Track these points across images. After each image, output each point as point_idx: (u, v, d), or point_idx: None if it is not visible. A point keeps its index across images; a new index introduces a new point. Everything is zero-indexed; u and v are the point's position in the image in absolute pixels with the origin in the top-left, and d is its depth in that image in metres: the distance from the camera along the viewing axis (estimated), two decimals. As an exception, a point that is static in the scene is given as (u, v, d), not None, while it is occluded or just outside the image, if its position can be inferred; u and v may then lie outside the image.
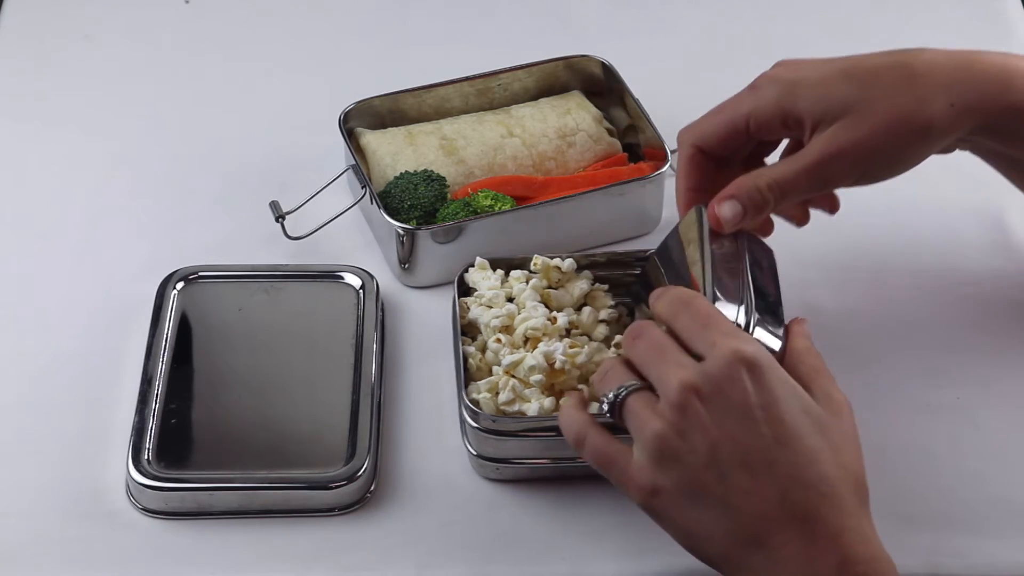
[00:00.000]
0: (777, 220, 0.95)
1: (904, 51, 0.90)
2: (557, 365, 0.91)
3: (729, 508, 0.77)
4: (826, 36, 1.26)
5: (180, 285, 1.00)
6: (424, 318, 1.02)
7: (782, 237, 1.05)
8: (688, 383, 0.78)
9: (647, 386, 0.80)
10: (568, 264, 0.97)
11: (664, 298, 0.83)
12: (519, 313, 0.94)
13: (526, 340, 0.93)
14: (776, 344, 0.85)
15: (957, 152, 1.09)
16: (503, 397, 0.91)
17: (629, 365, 0.82)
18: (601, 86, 1.14)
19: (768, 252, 0.91)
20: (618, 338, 0.94)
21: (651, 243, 1.06)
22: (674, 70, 1.22)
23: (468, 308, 0.96)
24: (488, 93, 1.13)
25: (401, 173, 1.06)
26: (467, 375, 0.93)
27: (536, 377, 0.90)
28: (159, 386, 0.94)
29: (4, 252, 1.07)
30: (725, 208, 0.89)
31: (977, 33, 1.25)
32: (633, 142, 1.12)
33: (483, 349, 0.95)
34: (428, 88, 1.11)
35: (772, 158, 0.95)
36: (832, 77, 0.89)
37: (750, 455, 0.77)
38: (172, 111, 1.19)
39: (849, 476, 0.78)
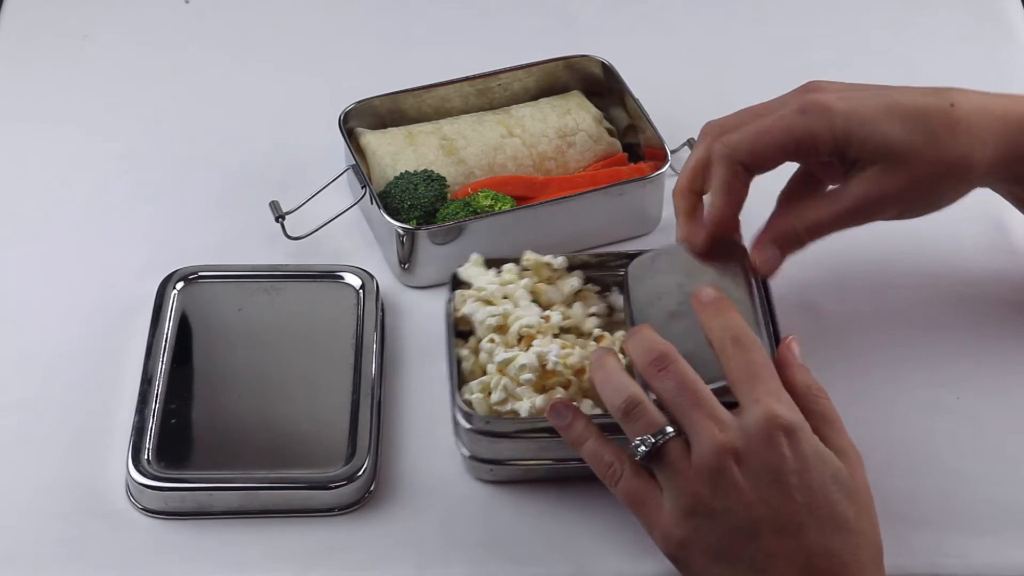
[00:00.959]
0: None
1: (945, 91, 0.91)
2: (549, 366, 0.91)
3: (755, 570, 0.78)
4: (826, 36, 1.26)
5: (180, 285, 1.00)
6: (424, 318, 1.02)
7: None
8: (727, 446, 0.79)
9: (679, 433, 0.81)
10: (559, 261, 0.97)
11: (718, 326, 0.83)
12: (513, 310, 0.94)
13: (520, 339, 0.93)
14: None
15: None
16: (495, 397, 0.91)
17: (657, 402, 0.82)
18: (601, 86, 1.14)
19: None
20: (618, 335, 0.94)
21: (651, 243, 1.06)
22: (674, 70, 1.22)
23: (464, 301, 0.96)
24: (488, 93, 1.13)
25: (401, 173, 1.06)
26: (460, 378, 0.93)
27: (526, 376, 0.90)
28: (159, 386, 0.94)
29: (4, 252, 1.07)
30: (768, 253, 0.90)
31: (977, 33, 1.25)
32: (633, 142, 1.12)
33: (476, 352, 0.95)
34: (428, 88, 1.11)
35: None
36: (882, 115, 0.89)
37: (781, 520, 0.78)
38: (172, 111, 1.19)
39: (869, 542, 0.80)
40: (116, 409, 0.96)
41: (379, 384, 0.96)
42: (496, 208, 1.03)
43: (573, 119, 1.10)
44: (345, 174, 1.09)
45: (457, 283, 0.97)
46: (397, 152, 1.08)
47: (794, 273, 1.01)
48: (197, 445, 0.93)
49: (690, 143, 1.11)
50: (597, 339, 0.95)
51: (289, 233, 1.05)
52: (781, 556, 0.78)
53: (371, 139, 1.09)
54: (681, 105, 1.16)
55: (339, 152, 1.09)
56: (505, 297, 0.96)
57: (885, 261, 1.06)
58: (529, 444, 0.90)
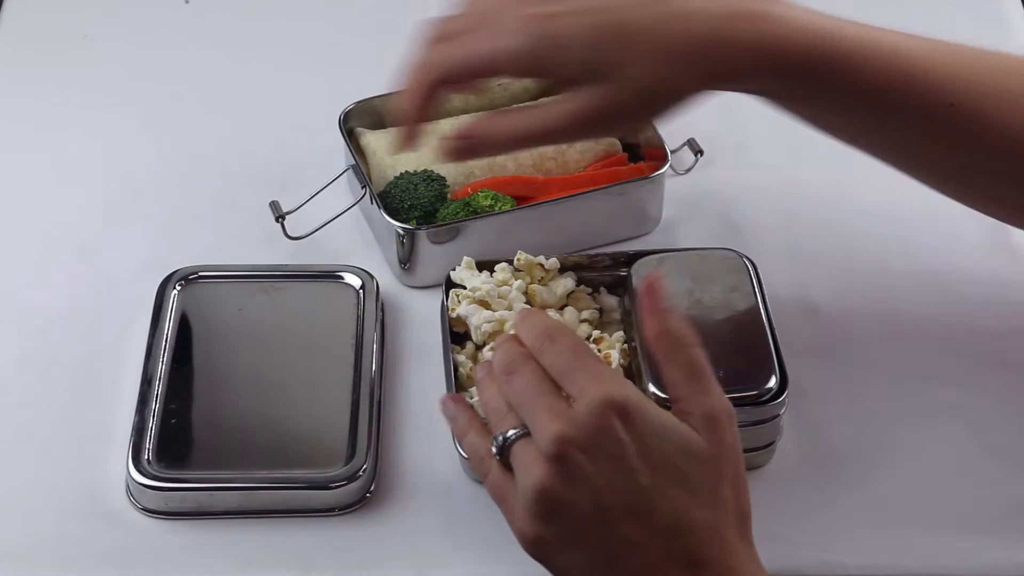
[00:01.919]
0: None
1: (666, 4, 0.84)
2: None
3: (614, 558, 0.76)
4: (826, 36, 1.25)
5: (180, 285, 1.00)
6: (424, 318, 1.01)
7: (782, 237, 1.05)
8: (562, 436, 0.76)
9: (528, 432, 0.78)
10: (551, 263, 0.97)
11: (526, 325, 0.81)
12: (508, 316, 0.94)
13: None
14: None
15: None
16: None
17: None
18: (601, 86, 1.14)
19: None
20: (616, 335, 0.94)
21: (651, 243, 1.06)
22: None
23: (459, 303, 0.96)
24: (488, 93, 1.13)
25: (401, 173, 1.06)
26: (458, 383, 0.93)
27: None
28: (159, 386, 0.94)
29: (4, 252, 1.07)
30: (456, 144, 0.85)
31: (977, 33, 1.25)
32: (633, 142, 1.12)
33: (473, 357, 0.95)
34: (428, 88, 1.11)
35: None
36: (592, 39, 0.82)
37: (631, 505, 0.76)
38: (172, 111, 1.19)
39: (728, 511, 0.77)
40: (116, 409, 0.96)
41: (379, 384, 0.96)
42: (496, 208, 1.03)
43: (573, 119, 1.10)
44: (345, 174, 1.09)
45: (450, 286, 0.97)
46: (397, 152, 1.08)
47: (794, 273, 1.01)
48: (197, 445, 0.93)
49: (691, 143, 1.11)
50: (596, 341, 0.95)
51: (289, 233, 1.05)
52: (638, 542, 0.76)
53: (371, 139, 1.09)
54: (681, 105, 1.16)
55: (339, 152, 1.09)
56: (500, 297, 0.96)
57: (884, 261, 1.06)
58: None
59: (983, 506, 0.91)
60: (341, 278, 1.02)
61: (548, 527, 0.77)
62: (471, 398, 0.92)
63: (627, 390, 0.77)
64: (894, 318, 1.02)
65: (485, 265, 0.98)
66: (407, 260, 1.03)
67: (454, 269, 0.98)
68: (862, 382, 0.97)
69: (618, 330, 0.96)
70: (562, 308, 0.98)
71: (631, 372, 0.94)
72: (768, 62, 0.85)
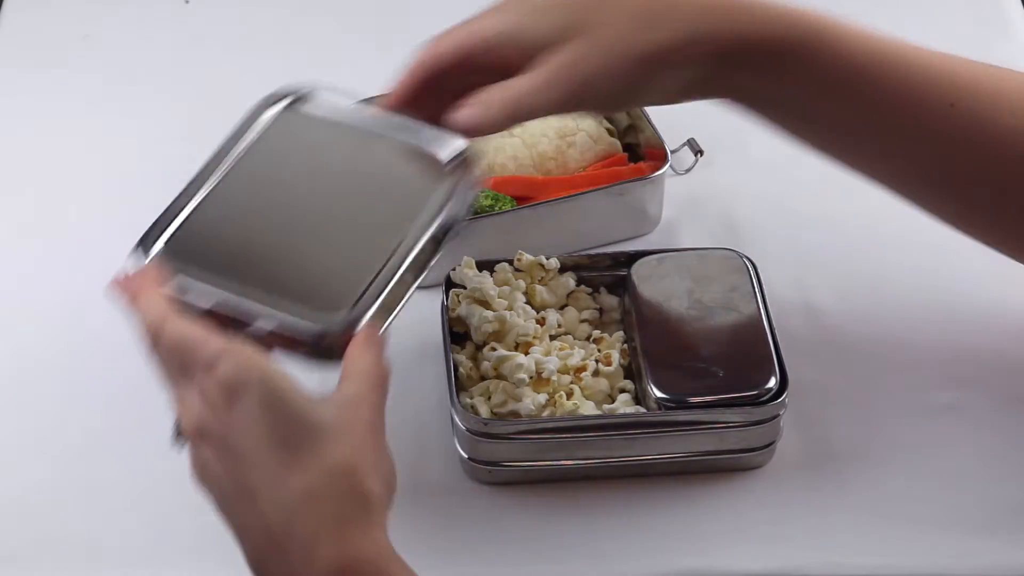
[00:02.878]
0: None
1: None
2: (545, 375, 0.91)
3: (240, 539, 0.77)
4: (826, 36, 1.25)
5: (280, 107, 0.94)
6: (423, 319, 1.01)
7: (783, 237, 1.06)
8: (190, 426, 0.77)
9: None
10: (551, 263, 0.97)
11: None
12: (509, 317, 0.94)
13: (516, 346, 0.94)
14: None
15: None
16: (495, 399, 0.91)
17: None
18: (601, 86, 1.14)
19: None
20: (616, 335, 0.95)
21: (651, 243, 1.06)
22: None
23: (459, 303, 0.96)
24: (486, 93, 1.13)
25: (401, 173, 1.06)
26: (458, 384, 0.93)
27: (520, 376, 0.91)
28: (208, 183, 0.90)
29: (4, 252, 1.07)
30: (464, 113, 0.84)
31: (977, 33, 1.25)
32: (633, 142, 1.12)
33: (473, 357, 0.95)
34: (428, 88, 1.11)
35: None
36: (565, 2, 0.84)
37: (235, 488, 0.76)
38: (172, 111, 1.19)
39: (343, 483, 0.75)
40: (116, 408, 0.96)
41: None
42: (496, 208, 1.03)
43: (573, 119, 1.10)
44: (345, 174, 1.09)
45: (450, 286, 0.97)
46: (397, 152, 1.08)
47: (794, 273, 1.01)
48: (218, 243, 0.87)
49: (690, 143, 1.11)
50: (596, 341, 0.95)
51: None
52: (247, 527, 0.76)
53: (371, 139, 1.09)
54: (681, 105, 1.16)
55: (339, 152, 1.09)
56: (501, 298, 0.96)
57: (885, 261, 1.06)
58: (528, 446, 0.90)
59: (983, 506, 0.91)
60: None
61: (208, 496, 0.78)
62: (471, 398, 0.92)
63: (237, 370, 0.75)
64: (894, 318, 1.02)
65: (485, 265, 0.98)
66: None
67: (454, 269, 0.98)
68: (862, 382, 0.97)
69: (618, 330, 0.96)
70: (562, 308, 0.98)
71: (631, 372, 0.94)
72: (746, 27, 0.84)
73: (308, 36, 1.26)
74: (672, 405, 0.89)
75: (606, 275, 0.99)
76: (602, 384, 0.93)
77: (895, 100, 0.86)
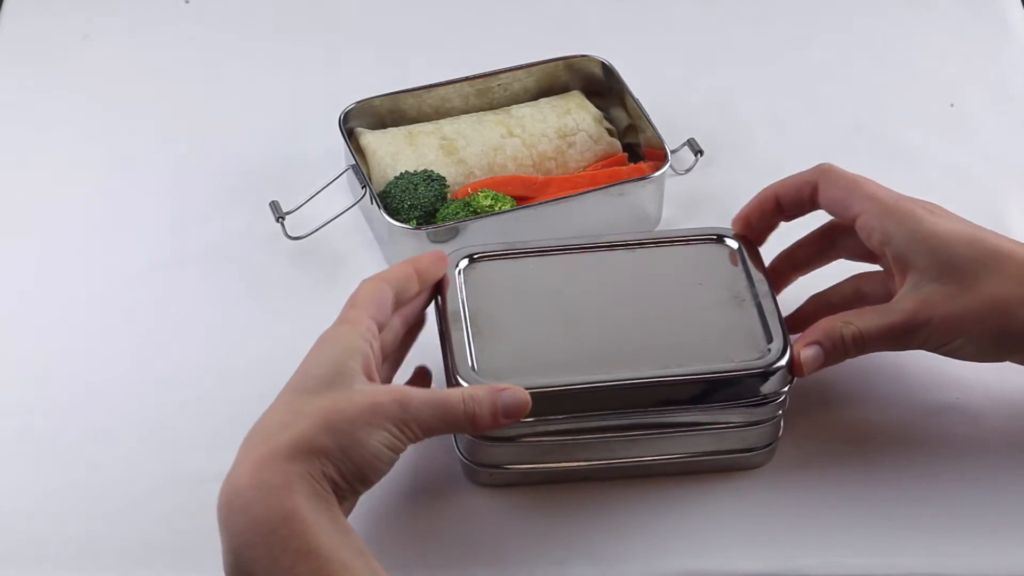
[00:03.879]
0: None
1: None
2: None
3: None
4: (826, 36, 1.26)
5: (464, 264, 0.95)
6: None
7: (782, 235, 1.05)
8: None
9: None
10: None
11: None
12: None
13: None
14: None
15: (958, 150, 1.09)
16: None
17: None
18: (601, 86, 1.14)
19: None
20: None
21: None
22: (674, 70, 1.22)
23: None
24: (488, 93, 1.13)
25: (401, 173, 1.06)
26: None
27: None
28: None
29: (4, 252, 1.07)
30: (808, 353, 0.89)
31: (977, 33, 1.26)
32: (633, 142, 1.12)
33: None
34: (428, 88, 1.11)
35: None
36: (959, 239, 0.88)
37: None
38: (172, 111, 1.19)
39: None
40: (116, 408, 0.96)
41: None
42: (496, 208, 1.03)
43: (573, 119, 1.10)
44: (345, 174, 1.09)
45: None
46: (397, 152, 1.08)
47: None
48: None
49: (690, 143, 1.11)
50: None
51: (289, 233, 1.05)
52: None
53: (371, 139, 1.09)
54: (681, 105, 1.16)
55: (339, 152, 1.09)
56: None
57: (885, 261, 1.06)
58: (528, 449, 0.90)
59: (983, 506, 0.91)
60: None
61: None
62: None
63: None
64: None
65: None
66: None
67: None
68: (862, 382, 0.97)
69: None
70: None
71: None
72: None
73: (308, 36, 1.26)
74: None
75: None
76: None
77: None
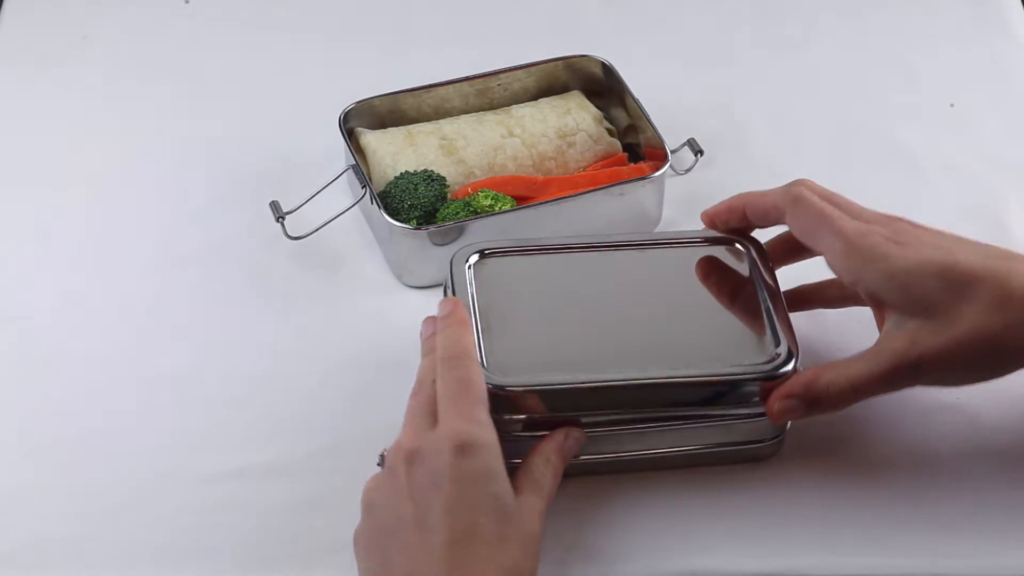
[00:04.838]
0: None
1: (1005, 257, 0.87)
2: None
3: (389, 558, 0.81)
4: (826, 36, 1.26)
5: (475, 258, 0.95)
6: (423, 318, 1.01)
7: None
8: (403, 447, 0.83)
9: None
10: None
11: (441, 337, 0.88)
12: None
13: None
14: None
15: (958, 150, 1.09)
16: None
17: None
18: (601, 86, 1.14)
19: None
20: None
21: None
22: (674, 70, 1.22)
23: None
24: (488, 93, 1.13)
25: (401, 173, 1.06)
26: None
27: None
28: None
29: (4, 252, 1.07)
30: (790, 404, 0.88)
31: (977, 33, 1.25)
32: (633, 142, 1.12)
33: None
34: (428, 88, 1.11)
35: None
36: (929, 272, 0.86)
37: (422, 517, 0.80)
38: (172, 111, 1.19)
39: (508, 563, 0.80)
40: (117, 408, 0.96)
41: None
42: (496, 208, 1.03)
43: (573, 119, 1.10)
44: (345, 174, 1.09)
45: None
46: (397, 152, 1.08)
47: (795, 272, 1.01)
48: None
49: (690, 143, 1.11)
50: None
51: (289, 233, 1.05)
52: (411, 550, 0.79)
53: (371, 139, 1.09)
54: (681, 105, 1.16)
55: (339, 152, 1.09)
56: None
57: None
58: (533, 443, 0.90)
59: (983, 506, 0.91)
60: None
61: (362, 525, 0.84)
62: None
63: (480, 434, 0.82)
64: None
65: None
66: (407, 260, 1.03)
67: (452, 264, 0.98)
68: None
69: None
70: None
71: None
72: None
73: (308, 36, 1.26)
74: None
75: None
76: None
77: None
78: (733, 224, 0.95)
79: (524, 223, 1.03)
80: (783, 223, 0.92)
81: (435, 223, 1.04)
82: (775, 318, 0.91)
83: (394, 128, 1.10)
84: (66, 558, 0.89)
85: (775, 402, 0.88)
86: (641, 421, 0.90)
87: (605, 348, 0.90)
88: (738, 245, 0.96)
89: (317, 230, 1.05)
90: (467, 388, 0.84)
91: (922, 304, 0.85)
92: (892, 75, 1.22)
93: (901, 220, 0.90)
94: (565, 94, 1.14)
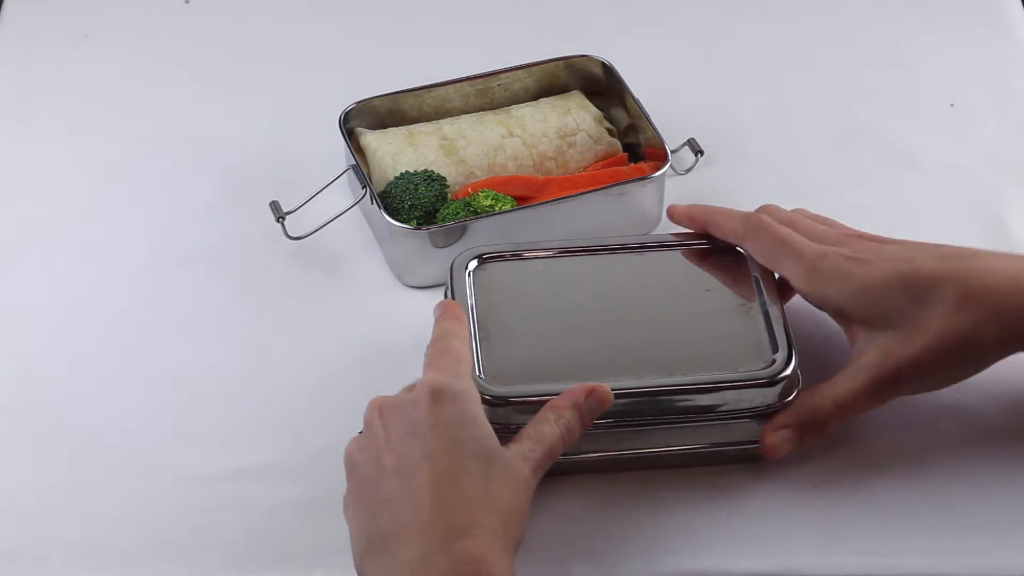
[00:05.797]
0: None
1: (968, 256, 0.89)
2: None
3: (373, 513, 0.81)
4: (826, 36, 1.26)
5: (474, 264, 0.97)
6: (423, 318, 1.01)
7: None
8: (379, 403, 0.85)
9: None
10: None
11: (437, 329, 0.90)
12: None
13: None
14: None
15: (958, 150, 1.09)
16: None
17: None
18: (601, 86, 1.14)
19: None
20: None
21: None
22: (674, 70, 1.22)
23: None
24: (488, 93, 1.13)
25: (401, 173, 1.06)
26: None
27: None
28: None
29: (4, 252, 1.07)
30: (780, 436, 0.90)
31: (977, 33, 1.25)
32: (633, 142, 1.12)
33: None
34: (428, 88, 1.11)
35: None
36: (895, 284, 0.88)
37: (403, 465, 0.81)
38: (172, 111, 1.19)
39: (496, 504, 0.81)
40: (116, 408, 0.96)
41: None
42: (496, 208, 1.03)
43: (573, 119, 1.10)
44: (345, 174, 1.09)
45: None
46: (397, 152, 1.08)
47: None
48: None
49: (691, 143, 1.11)
50: None
51: (289, 233, 1.05)
52: (396, 499, 0.80)
53: (371, 139, 1.09)
54: (681, 105, 1.16)
55: (339, 152, 1.09)
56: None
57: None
58: None
59: (983, 506, 0.91)
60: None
61: (348, 485, 0.85)
62: None
63: (456, 382, 0.83)
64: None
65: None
66: (407, 260, 1.03)
67: (452, 264, 0.98)
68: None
69: None
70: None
71: None
72: None
73: (308, 36, 1.26)
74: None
75: None
76: None
77: None
78: (694, 231, 0.98)
79: (524, 223, 1.03)
80: (742, 247, 0.95)
81: (435, 223, 1.04)
82: (773, 322, 0.91)
83: (394, 128, 1.10)
84: (66, 558, 0.89)
85: (769, 437, 0.89)
86: (640, 424, 0.90)
87: (602, 355, 0.91)
88: (738, 248, 0.96)
89: (317, 230, 1.05)
90: (447, 351, 0.86)
91: (889, 316, 0.87)
92: (892, 75, 1.22)
93: (862, 237, 0.92)
94: (565, 94, 1.14)
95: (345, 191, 1.09)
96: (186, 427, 0.95)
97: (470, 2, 1.29)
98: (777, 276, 0.95)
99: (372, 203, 1.04)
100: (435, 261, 1.02)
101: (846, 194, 1.10)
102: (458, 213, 1.03)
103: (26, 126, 1.17)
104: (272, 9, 1.28)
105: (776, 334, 0.91)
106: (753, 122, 1.17)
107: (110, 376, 0.98)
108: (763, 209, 0.95)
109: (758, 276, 0.94)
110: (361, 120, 1.10)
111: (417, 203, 1.04)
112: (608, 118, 1.12)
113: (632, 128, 1.12)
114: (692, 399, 0.89)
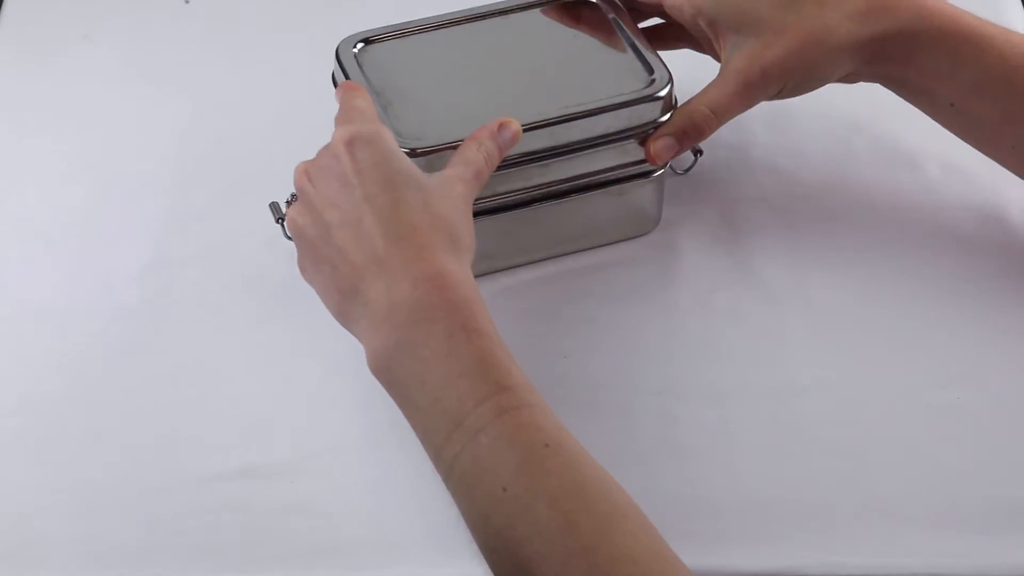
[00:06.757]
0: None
1: None
2: None
3: (334, 267, 0.87)
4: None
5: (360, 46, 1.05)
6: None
7: (782, 235, 1.06)
8: (301, 168, 0.90)
9: None
10: None
11: (340, 104, 0.96)
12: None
13: None
14: None
15: (957, 150, 1.09)
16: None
17: None
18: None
19: None
20: None
21: (651, 243, 1.06)
22: (673, 70, 1.21)
23: None
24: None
25: (401, 173, 1.06)
26: None
27: None
28: None
29: (4, 252, 1.07)
30: (663, 143, 1.00)
31: (977, 33, 1.25)
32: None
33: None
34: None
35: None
36: None
37: (346, 215, 0.86)
38: (172, 111, 1.19)
39: (440, 224, 0.87)
40: (116, 408, 0.96)
41: None
42: None
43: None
44: (345, 174, 1.09)
45: None
46: (397, 152, 1.08)
47: (794, 271, 1.01)
48: None
49: (690, 143, 1.11)
50: None
51: (289, 234, 1.05)
52: (349, 247, 0.86)
53: (371, 139, 1.09)
54: (680, 102, 1.16)
55: (339, 152, 1.09)
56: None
57: (885, 260, 1.06)
58: None
59: (983, 506, 0.91)
60: None
61: (299, 252, 0.90)
62: None
63: (363, 126, 0.90)
64: (894, 317, 1.02)
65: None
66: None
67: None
68: (861, 381, 0.97)
69: None
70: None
71: None
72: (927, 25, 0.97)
73: (308, 36, 1.26)
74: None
75: None
76: None
77: None
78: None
79: (525, 223, 1.03)
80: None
81: (435, 223, 1.03)
82: (643, 52, 1.02)
83: (394, 128, 1.10)
84: (66, 558, 0.89)
85: (652, 146, 0.99)
86: (544, 157, 0.98)
87: (501, 103, 0.99)
88: (595, 1, 1.06)
89: (317, 230, 1.05)
90: (350, 109, 0.92)
91: (757, 23, 0.98)
92: (892, 75, 1.22)
93: None
94: (565, 94, 1.14)
95: (345, 191, 1.09)
96: (186, 427, 0.95)
97: (470, 2, 1.29)
98: None
99: (372, 203, 1.05)
100: (435, 261, 1.02)
101: (846, 194, 1.10)
102: (458, 213, 1.03)
103: (26, 126, 1.17)
104: (272, 10, 1.28)
105: (650, 60, 1.01)
106: (753, 123, 1.17)
107: (110, 376, 0.98)
108: None
109: (615, 18, 1.04)
110: (361, 120, 1.10)
111: (417, 203, 1.04)
112: (608, 118, 1.13)
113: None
114: (587, 125, 0.98)
